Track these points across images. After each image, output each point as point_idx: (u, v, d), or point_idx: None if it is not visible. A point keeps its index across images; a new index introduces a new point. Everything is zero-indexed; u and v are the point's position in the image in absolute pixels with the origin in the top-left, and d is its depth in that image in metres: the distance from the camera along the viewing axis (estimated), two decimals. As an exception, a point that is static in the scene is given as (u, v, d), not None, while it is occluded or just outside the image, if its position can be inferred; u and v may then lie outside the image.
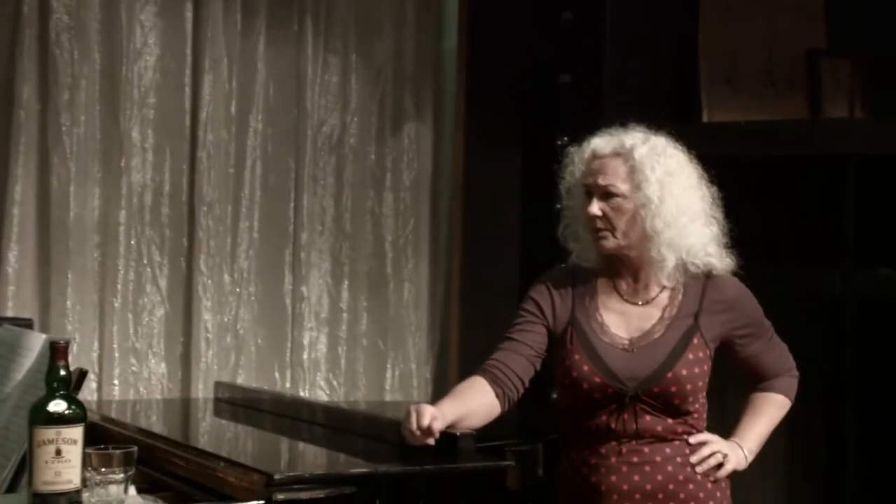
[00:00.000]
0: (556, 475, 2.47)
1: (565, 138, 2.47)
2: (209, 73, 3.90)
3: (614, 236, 2.35)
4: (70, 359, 2.08)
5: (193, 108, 3.89)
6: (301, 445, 2.60)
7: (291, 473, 2.06)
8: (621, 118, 2.44)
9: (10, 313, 3.51)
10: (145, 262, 3.83)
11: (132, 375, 3.80)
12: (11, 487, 2.17)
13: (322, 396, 4.08)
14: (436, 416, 2.13)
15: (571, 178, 2.42)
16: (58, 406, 1.98)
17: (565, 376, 2.36)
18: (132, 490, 2.14)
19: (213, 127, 3.91)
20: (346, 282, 4.20)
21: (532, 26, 4.26)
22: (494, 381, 2.34)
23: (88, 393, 3.61)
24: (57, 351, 2.01)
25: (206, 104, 3.89)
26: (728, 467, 2.38)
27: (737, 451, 2.40)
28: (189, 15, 3.89)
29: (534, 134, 4.17)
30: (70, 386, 2.03)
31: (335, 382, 4.16)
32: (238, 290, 3.98)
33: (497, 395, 2.33)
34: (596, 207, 2.34)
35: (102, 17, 3.74)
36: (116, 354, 3.76)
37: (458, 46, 4.38)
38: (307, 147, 4.12)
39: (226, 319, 3.95)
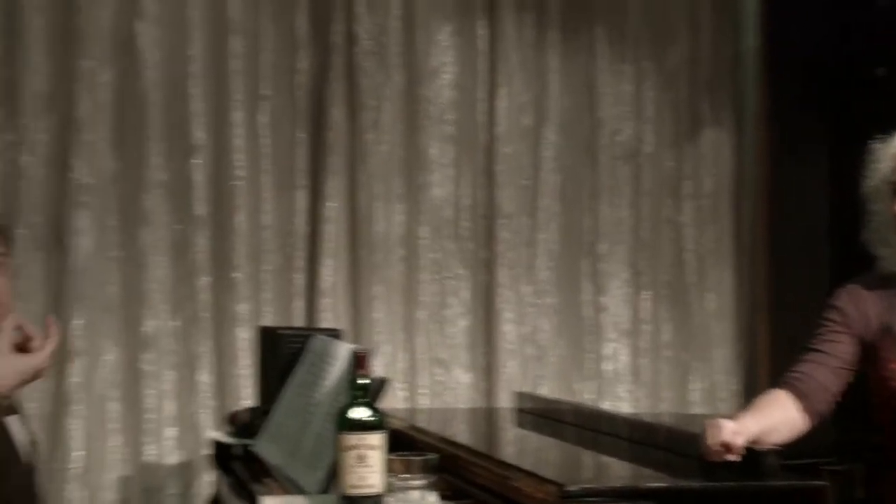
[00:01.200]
0: (879, 499, 2.29)
1: (880, 137, 2.28)
2: (503, 88, 3.96)
3: (930, 236, 2.16)
4: (380, 369, 2.15)
5: (489, 122, 3.97)
6: (598, 457, 2.56)
7: (585, 485, 2.02)
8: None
9: (325, 324, 3.71)
10: (448, 274, 3.94)
11: (438, 385, 3.91)
12: (327, 489, 2.28)
13: (624, 408, 4.03)
14: (737, 432, 2.03)
15: (877, 176, 2.26)
16: (358, 413, 2.05)
17: (883, 388, 2.20)
18: (434, 496, 2.18)
19: (509, 140, 3.98)
20: (647, 292, 4.13)
21: (840, 17, 4.02)
22: (799, 395, 2.22)
23: (397, 402, 3.75)
24: (357, 360, 2.09)
25: (501, 118, 3.96)
26: None
27: None
28: (483, 32, 3.97)
29: (843, 134, 3.95)
30: (370, 394, 2.11)
31: (638, 394, 4.10)
32: (538, 301, 4.01)
33: (802, 410, 2.21)
34: (905, 206, 2.17)
35: (403, 41, 3.89)
36: (423, 365, 3.89)
37: (758, 46, 4.21)
38: (602, 157, 4.10)
39: (526, 330, 3.99)
